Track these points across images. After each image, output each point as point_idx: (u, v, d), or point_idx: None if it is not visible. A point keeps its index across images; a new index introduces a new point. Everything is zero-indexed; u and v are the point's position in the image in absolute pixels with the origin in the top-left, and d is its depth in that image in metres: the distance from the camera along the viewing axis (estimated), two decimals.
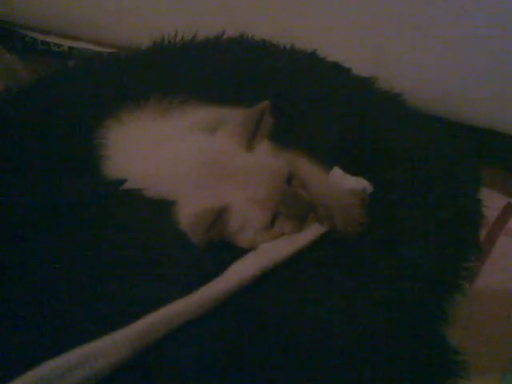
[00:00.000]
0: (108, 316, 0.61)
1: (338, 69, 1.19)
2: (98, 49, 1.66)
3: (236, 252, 0.70)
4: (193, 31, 1.24)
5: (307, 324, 0.61)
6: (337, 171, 0.86)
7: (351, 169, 0.87)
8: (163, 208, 0.74)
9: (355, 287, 0.66)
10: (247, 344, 0.58)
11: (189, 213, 0.70)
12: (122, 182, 0.77)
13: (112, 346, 0.56)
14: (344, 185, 0.82)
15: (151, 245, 0.69)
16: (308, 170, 0.80)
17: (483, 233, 0.97)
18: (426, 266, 0.72)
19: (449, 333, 0.72)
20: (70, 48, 1.71)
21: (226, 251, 0.70)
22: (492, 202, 1.06)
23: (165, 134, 0.86)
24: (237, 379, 0.57)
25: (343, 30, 1.20)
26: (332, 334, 0.60)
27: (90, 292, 0.63)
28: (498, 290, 0.90)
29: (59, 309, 0.62)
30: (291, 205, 0.71)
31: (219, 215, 0.69)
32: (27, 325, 0.61)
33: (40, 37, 1.74)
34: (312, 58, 1.21)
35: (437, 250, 0.75)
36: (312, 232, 0.73)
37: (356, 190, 0.81)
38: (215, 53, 1.21)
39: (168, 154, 0.80)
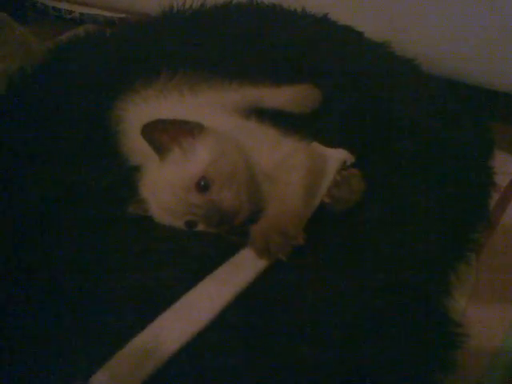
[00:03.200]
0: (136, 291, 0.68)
1: (350, 33, 1.17)
2: (108, 14, 1.66)
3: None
4: None
5: (312, 304, 0.65)
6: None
7: (359, 141, 0.88)
8: None
9: (358, 269, 0.70)
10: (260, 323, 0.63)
11: None
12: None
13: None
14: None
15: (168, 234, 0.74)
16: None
17: (495, 199, 0.99)
18: (431, 240, 0.74)
19: (453, 302, 0.76)
20: (81, 14, 1.71)
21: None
22: (506, 166, 1.07)
23: (188, 111, 0.86)
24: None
25: None
26: (336, 314, 0.64)
27: (118, 274, 0.68)
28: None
29: (98, 288, 0.68)
30: (198, 214, 0.71)
31: None
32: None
33: (51, 3, 1.74)
34: (323, 22, 1.19)
35: (442, 224, 0.77)
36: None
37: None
38: (226, 21, 1.19)
39: None
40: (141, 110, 0.92)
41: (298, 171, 0.74)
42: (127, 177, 0.78)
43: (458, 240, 0.78)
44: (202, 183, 0.70)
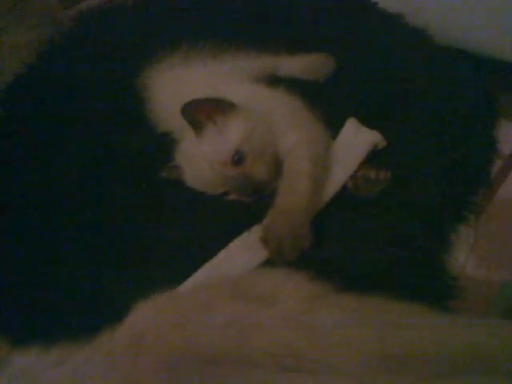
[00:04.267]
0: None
1: (363, 3, 1.19)
2: None
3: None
4: None
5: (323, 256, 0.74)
6: (352, 122, 0.90)
7: (370, 113, 0.93)
8: None
9: (366, 226, 0.78)
10: None
11: None
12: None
13: None
14: (357, 139, 0.87)
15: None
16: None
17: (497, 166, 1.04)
18: (434, 201, 0.81)
19: (452, 258, 0.83)
20: None
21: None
22: (510, 135, 1.11)
23: (211, 79, 0.92)
24: None
25: None
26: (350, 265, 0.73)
27: (153, 235, 0.78)
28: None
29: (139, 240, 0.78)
30: (233, 186, 0.79)
31: None
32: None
33: None
34: None
35: (445, 186, 0.84)
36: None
37: None
38: None
39: None
40: (166, 78, 0.98)
41: (305, 161, 0.79)
42: (158, 142, 0.86)
43: (459, 202, 0.85)
44: (237, 158, 0.77)
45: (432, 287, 0.76)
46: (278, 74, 1.07)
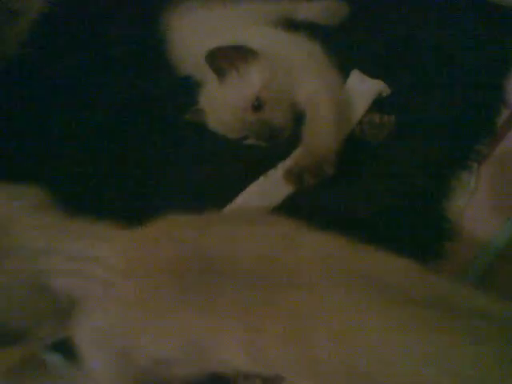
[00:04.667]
0: None
1: None
2: None
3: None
4: None
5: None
6: (356, 73, 0.94)
7: (378, 60, 0.96)
8: None
9: (373, 175, 0.85)
10: None
11: None
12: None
13: None
14: (363, 87, 0.91)
15: None
16: None
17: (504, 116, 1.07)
18: (439, 148, 0.87)
19: (452, 203, 0.90)
20: None
21: None
22: None
23: (231, 22, 0.96)
24: None
25: None
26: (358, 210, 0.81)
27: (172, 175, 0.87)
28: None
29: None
30: (251, 130, 0.84)
31: None
32: None
33: None
34: None
35: (450, 134, 0.89)
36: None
37: None
38: None
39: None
40: (186, 20, 1.00)
41: (327, 107, 0.83)
42: (181, 86, 0.90)
43: (463, 149, 0.90)
44: (256, 104, 0.82)
45: (429, 230, 0.83)
46: (295, 17, 1.09)
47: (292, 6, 1.08)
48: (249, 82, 0.83)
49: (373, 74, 0.95)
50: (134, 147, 0.91)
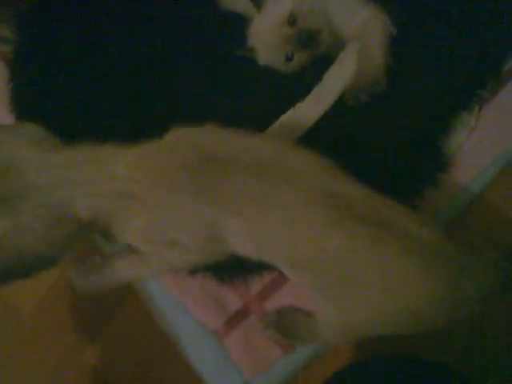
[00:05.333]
0: None
1: None
2: None
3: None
4: None
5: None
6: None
7: None
8: None
9: (383, 115, 0.97)
10: None
11: None
12: None
13: None
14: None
15: None
16: None
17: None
18: (444, 90, 0.97)
19: (451, 140, 1.02)
20: None
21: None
22: None
23: None
24: None
25: None
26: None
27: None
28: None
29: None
30: (294, 43, 0.96)
31: None
32: None
33: None
34: None
35: (456, 78, 0.98)
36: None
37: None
38: None
39: None
40: None
41: (380, 33, 0.95)
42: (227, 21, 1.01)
43: (466, 92, 1.00)
44: (291, 19, 0.95)
45: (426, 161, 0.96)
46: None
47: None
48: (282, 4, 0.96)
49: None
50: (180, 80, 1.00)
